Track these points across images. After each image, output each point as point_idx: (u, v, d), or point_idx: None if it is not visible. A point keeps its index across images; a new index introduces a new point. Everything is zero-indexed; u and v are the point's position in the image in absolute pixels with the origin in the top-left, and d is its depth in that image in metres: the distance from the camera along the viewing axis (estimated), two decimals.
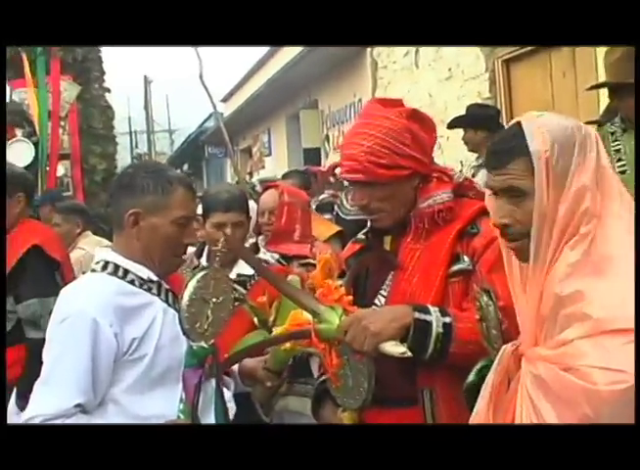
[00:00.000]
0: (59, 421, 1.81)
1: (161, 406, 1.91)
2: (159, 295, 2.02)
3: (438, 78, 7.28)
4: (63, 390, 1.84)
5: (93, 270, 2.02)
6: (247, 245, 3.22)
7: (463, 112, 5.26)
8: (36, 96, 6.57)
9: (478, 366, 1.68)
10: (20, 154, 6.16)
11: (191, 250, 2.84)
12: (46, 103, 6.50)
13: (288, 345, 2.08)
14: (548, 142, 1.41)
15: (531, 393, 1.38)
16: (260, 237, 3.95)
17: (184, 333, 1.90)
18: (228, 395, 2.09)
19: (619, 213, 1.41)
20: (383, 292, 2.10)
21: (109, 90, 10.31)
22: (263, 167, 15.94)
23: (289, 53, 10.94)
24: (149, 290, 2.01)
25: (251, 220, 4.00)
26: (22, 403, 2.47)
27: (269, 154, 15.64)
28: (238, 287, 2.62)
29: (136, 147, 31.51)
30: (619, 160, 3.26)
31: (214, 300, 1.93)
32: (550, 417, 1.32)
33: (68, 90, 6.90)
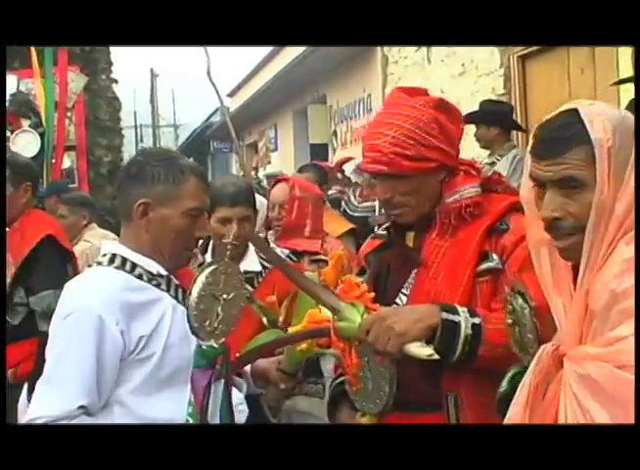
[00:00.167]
0: (62, 423, 1.71)
1: (170, 409, 1.81)
2: (168, 290, 1.92)
3: (451, 74, 7.17)
4: (66, 390, 1.74)
5: (99, 263, 1.92)
6: None
7: (476, 108, 5.15)
8: (43, 86, 6.49)
9: (509, 374, 1.59)
10: (26, 144, 6.11)
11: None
12: (53, 93, 6.42)
13: (304, 345, 1.97)
14: (609, 130, 1.32)
15: (577, 393, 1.31)
16: (270, 232, 3.86)
17: (192, 332, 1.79)
18: (240, 397, 1.98)
19: None
20: (404, 290, 2.00)
21: (116, 81, 10.23)
22: (269, 163, 15.88)
23: (297, 48, 10.85)
24: (158, 285, 1.90)
25: (258, 215, 3.94)
26: None
27: (275, 149, 15.59)
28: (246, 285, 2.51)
29: (141, 141, 31.50)
30: None
31: (225, 296, 1.82)
32: (600, 417, 1.26)
33: (76, 81, 6.80)
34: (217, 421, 1.83)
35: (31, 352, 2.86)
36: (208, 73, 5.55)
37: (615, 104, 4.62)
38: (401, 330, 1.74)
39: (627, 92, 4.27)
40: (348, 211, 6.46)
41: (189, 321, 1.76)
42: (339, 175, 6.64)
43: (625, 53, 4.56)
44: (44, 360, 1.82)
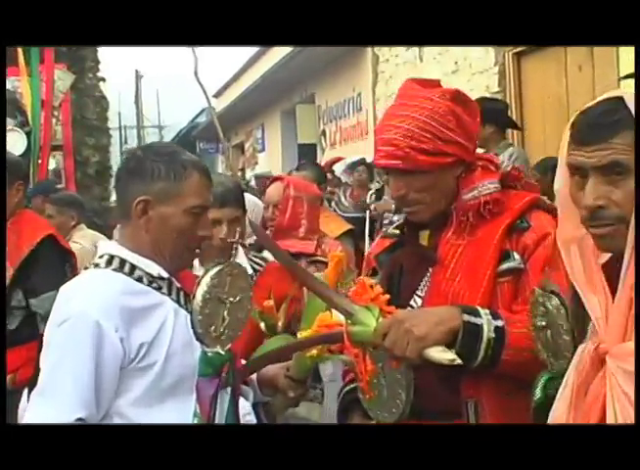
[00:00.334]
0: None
1: (173, 420, 1.68)
2: (169, 294, 1.81)
3: (444, 72, 7.09)
4: (62, 402, 1.63)
5: (96, 265, 1.80)
6: (246, 242, 3.02)
7: None
8: (29, 85, 6.36)
9: (542, 381, 1.50)
10: (12, 144, 5.97)
11: None
12: (39, 92, 6.28)
13: (314, 351, 1.86)
14: None
15: (627, 390, 1.25)
16: (267, 232, 3.76)
17: (197, 338, 1.67)
18: (247, 407, 1.87)
19: None
20: (419, 292, 1.90)
21: (103, 79, 10.09)
22: (256, 164, 15.80)
23: (284, 47, 10.74)
24: (158, 288, 1.79)
25: (253, 216, 3.83)
26: None
27: (262, 150, 15.50)
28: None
29: (125, 143, 31.33)
30: None
31: (231, 299, 1.70)
32: None
33: (62, 79, 6.67)
34: None
35: (30, 358, 2.74)
36: (196, 74, 5.42)
37: None
38: (421, 334, 1.64)
39: (629, 89, 4.20)
40: (339, 211, 6.39)
41: (193, 327, 1.65)
42: (328, 176, 6.56)
43: (627, 49, 4.50)
44: None
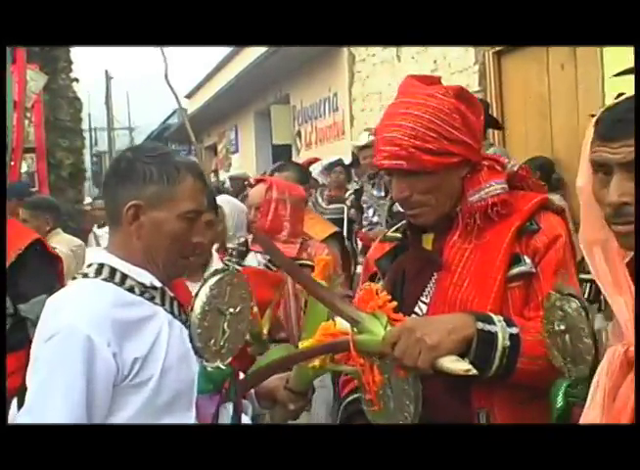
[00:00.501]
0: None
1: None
2: (162, 304, 1.70)
3: (423, 72, 7.02)
4: (51, 422, 1.51)
5: (85, 275, 1.69)
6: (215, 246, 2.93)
7: None
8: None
9: (562, 388, 1.45)
10: None
11: None
12: (11, 93, 6.11)
13: (317, 361, 1.76)
14: None
15: None
16: (251, 235, 3.66)
17: (196, 352, 1.58)
18: (246, 421, 1.77)
19: None
20: (424, 298, 1.82)
21: (77, 80, 9.85)
22: (230, 165, 15.64)
23: (258, 47, 10.63)
24: (151, 298, 1.69)
25: (234, 218, 3.74)
26: None
27: (236, 151, 15.36)
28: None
29: (95, 145, 30.95)
30: None
31: (231, 310, 1.61)
32: None
33: (35, 80, 6.48)
34: None
35: (19, 366, 2.61)
36: (166, 77, 5.29)
37: (599, 100, 4.52)
38: (433, 343, 1.56)
39: (613, 88, 4.17)
40: (316, 213, 6.29)
41: (192, 341, 1.56)
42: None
43: (611, 48, 4.46)
44: None
